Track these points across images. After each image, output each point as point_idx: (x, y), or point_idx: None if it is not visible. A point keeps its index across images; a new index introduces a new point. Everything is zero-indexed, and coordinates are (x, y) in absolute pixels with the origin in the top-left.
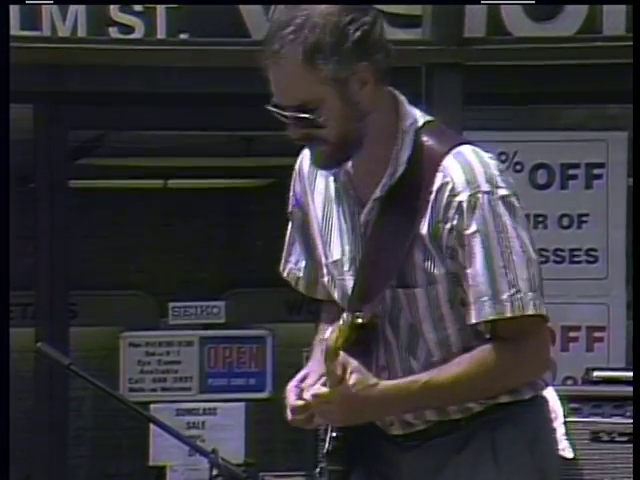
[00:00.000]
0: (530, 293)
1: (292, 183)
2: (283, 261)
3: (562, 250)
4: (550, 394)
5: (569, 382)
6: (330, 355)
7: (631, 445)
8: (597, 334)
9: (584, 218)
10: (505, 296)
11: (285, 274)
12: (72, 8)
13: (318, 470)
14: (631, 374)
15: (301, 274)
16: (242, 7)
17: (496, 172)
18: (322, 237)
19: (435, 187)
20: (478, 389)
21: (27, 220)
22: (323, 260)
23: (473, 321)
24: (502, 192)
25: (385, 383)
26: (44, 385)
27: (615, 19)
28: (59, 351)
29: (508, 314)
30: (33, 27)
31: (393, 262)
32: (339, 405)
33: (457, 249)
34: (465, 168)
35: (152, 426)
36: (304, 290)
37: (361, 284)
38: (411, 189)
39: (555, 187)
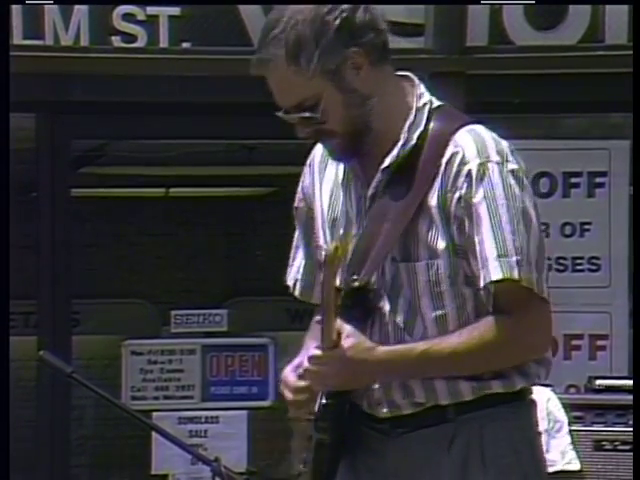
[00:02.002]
0: (533, 266)
1: (302, 178)
2: (288, 266)
3: (564, 258)
4: (554, 404)
5: (572, 390)
6: (329, 261)
7: None
8: (600, 342)
9: (586, 226)
10: (513, 259)
11: (287, 279)
12: (75, 17)
13: (302, 465)
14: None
15: (299, 276)
16: (244, 16)
17: (507, 149)
18: (327, 223)
19: (445, 158)
20: (476, 360)
21: (29, 229)
22: (325, 247)
23: (482, 284)
24: (512, 166)
25: (383, 347)
26: (46, 393)
27: (617, 28)
28: (61, 359)
29: (515, 276)
30: (36, 36)
31: (395, 231)
32: (335, 368)
33: (464, 220)
34: (477, 140)
35: (154, 434)
36: (299, 293)
37: (361, 249)
38: (421, 162)
39: (557, 195)
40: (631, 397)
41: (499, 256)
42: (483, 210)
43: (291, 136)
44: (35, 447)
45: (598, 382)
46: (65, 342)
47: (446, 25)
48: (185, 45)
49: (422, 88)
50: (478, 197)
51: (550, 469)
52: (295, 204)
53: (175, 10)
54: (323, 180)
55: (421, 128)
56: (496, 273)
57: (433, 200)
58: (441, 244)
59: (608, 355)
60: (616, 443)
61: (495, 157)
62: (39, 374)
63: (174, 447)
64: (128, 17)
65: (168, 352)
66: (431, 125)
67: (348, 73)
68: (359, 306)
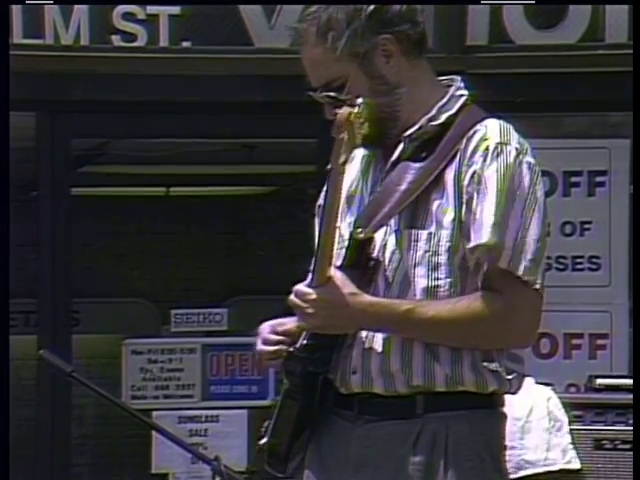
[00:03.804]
0: (524, 254)
1: None
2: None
3: (565, 258)
4: (555, 403)
5: (572, 389)
6: (342, 124)
7: None
8: (600, 341)
9: (587, 226)
10: (506, 235)
11: None
12: (75, 16)
13: (263, 442)
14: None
15: None
16: (245, 15)
17: (528, 146)
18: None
19: (468, 135)
20: (458, 330)
21: (29, 228)
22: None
23: (471, 244)
24: (529, 159)
25: (368, 297)
26: (46, 393)
27: (617, 27)
28: (61, 358)
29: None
30: (36, 35)
31: (407, 196)
32: (316, 307)
33: (474, 196)
34: (502, 125)
35: (154, 433)
36: None
37: (371, 207)
38: (444, 140)
39: (558, 194)
40: (631, 396)
41: (494, 225)
42: (491, 184)
43: (292, 135)
44: (35, 446)
45: (598, 381)
46: (65, 341)
47: (446, 24)
48: (185, 44)
49: (462, 85)
50: (489, 171)
51: (551, 468)
52: (319, 202)
53: (175, 9)
54: (349, 174)
55: (451, 112)
56: (488, 238)
57: (450, 175)
58: (448, 217)
59: (608, 354)
60: (616, 442)
61: (515, 144)
62: (39, 373)
63: (174, 446)
64: (128, 16)
65: (168, 351)
66: (462, 112)
67: (377, 59)
68: (357, 261)
